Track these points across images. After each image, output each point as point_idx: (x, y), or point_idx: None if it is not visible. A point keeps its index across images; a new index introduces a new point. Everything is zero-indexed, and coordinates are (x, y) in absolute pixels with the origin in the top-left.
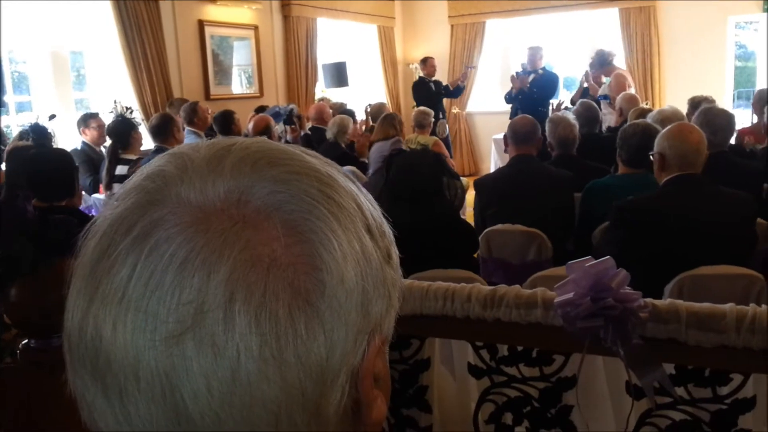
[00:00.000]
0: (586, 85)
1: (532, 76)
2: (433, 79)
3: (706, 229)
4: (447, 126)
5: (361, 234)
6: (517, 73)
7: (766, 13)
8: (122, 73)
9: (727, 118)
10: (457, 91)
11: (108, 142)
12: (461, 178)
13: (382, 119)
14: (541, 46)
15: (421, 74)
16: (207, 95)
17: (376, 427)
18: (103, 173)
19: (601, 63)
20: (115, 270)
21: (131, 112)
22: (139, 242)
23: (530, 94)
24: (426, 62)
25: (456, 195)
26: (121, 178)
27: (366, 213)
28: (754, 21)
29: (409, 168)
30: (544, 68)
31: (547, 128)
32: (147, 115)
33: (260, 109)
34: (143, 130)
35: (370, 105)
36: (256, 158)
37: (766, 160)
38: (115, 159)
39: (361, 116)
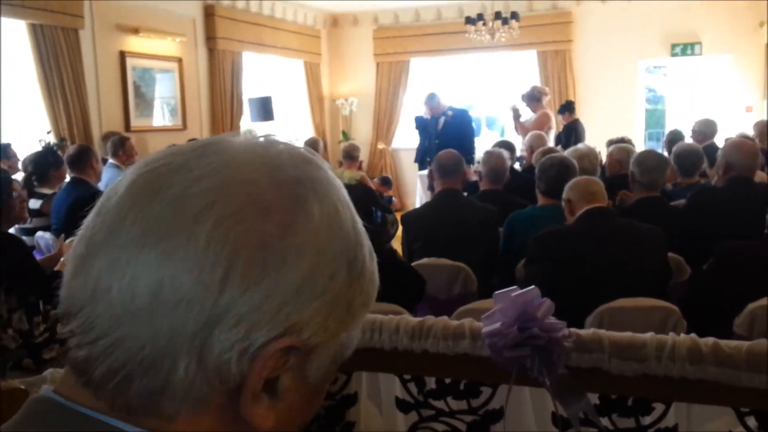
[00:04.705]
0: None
1: (442, 120)
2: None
3: (620, 260)
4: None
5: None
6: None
7: (673, 58)
8: (37, 101)
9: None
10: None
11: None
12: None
13: None
14: (434, 92)
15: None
16: (127, 127)
17: None
18: None
19: (531, 98)
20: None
21: (62, 146)
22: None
23: (447, 137)
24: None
25: (387, 228)
26: (34, 213)
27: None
28: (663, 66)
29: None
30: (450, 108)
31: (481, 159)
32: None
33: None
34: None
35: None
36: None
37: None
38: (29, 191)
39: None
